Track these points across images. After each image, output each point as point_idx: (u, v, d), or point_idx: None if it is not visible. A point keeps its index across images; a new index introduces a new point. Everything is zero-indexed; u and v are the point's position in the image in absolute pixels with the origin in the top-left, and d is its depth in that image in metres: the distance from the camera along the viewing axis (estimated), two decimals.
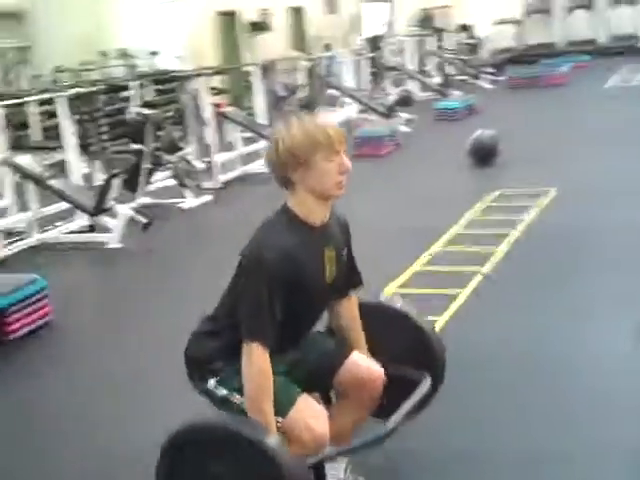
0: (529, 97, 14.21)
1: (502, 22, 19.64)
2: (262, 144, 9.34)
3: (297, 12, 18.47)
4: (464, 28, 20.19)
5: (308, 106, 10.01)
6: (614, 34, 20.32)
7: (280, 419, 2.33)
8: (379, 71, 13.28)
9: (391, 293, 4.61)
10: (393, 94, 12.99)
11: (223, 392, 2.47)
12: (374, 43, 17.42)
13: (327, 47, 16.27)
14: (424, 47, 16.51)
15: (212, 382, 2.49)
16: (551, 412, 3.18)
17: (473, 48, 17.59)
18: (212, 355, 2.52)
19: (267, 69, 10.03)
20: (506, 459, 2.88)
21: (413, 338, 2.80)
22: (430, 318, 3.24)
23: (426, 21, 22.44)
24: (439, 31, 19.45)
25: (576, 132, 9.87)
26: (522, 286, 4.69)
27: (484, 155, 8.30)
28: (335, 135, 2.39)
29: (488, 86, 15.90)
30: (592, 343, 3.79)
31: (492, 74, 16.53)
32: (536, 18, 21.61)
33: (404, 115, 11.64)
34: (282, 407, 2.35)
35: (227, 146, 9.38)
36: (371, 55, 14.33)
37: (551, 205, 6.38)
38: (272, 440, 2.22)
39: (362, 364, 2.59)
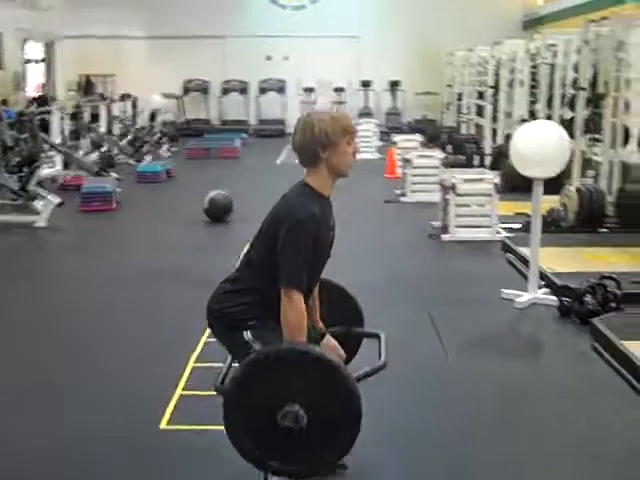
0: (210, 166, 15.46)
1: (166, 96, 20.88)
2: None
3: None
4: (128, 97, 21.02)
5: (31, 157, 10.21)
6: (263, 118, 22.70)
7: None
8: (80, 131, 13.71)
9: None
10: (94, 154, 13.50)
11: (256, 345, 2.95)
12: (39, 103, 17.57)
13: (4, 102, 16.10)
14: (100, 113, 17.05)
15: (249, 334, 2.99)
16: None
17: (151, 117, 18.57)
18: (247, 312, 3.01)
19: None
20: None
21: (349, 306, 3.50)
22: None
23: (87, 87, 22.88)
24: (105, 98, 20.12)
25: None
26: None
27: (220, 212, 9.38)
28: (353, 125, 3.05)
29: (165, 154, 16.92)
30: None
31: (168, 143, 17.65)
32: (193, 96, 23.36)
33: (114, 175, 12.25)
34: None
35: None
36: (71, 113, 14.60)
37: None
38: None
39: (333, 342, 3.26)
